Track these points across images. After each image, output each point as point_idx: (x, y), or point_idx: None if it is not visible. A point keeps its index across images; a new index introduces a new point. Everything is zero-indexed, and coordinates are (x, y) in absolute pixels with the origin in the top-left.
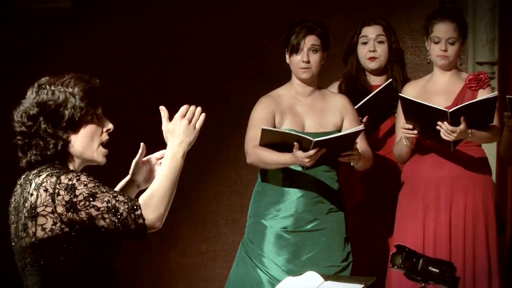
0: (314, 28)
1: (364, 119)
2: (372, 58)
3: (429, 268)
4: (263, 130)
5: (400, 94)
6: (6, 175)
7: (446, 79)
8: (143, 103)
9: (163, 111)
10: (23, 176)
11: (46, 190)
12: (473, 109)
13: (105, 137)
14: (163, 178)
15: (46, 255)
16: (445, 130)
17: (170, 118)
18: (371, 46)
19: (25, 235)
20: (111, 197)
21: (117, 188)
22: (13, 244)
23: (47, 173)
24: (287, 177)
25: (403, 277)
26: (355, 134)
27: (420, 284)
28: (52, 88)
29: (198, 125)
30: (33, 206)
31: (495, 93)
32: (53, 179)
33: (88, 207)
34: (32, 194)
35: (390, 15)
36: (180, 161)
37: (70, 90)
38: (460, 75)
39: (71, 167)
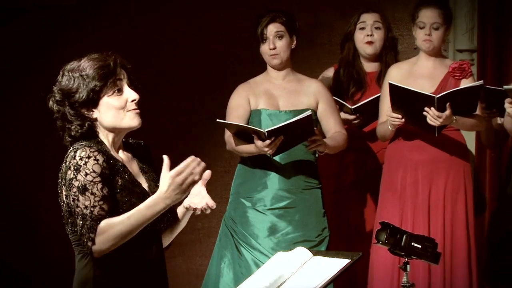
0: (276, 16)
1: (352, 116)
2: (369, 43)
3: (412, 244)
4: (220, 123)
5: (390, 82)
6: (6, 173)
7: (430, 64)
8: (148, 93)
9: (166, 159)
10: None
11: (65, 163)
12: (459, 96)
13: (131, 106)
14: (131, 219)
15: (67, 224)
16: (432, 115)
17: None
18: (369, 30)
19: (59, 199)
20: (90, 205)
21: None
22: None
23: (72, 148)
24: (264, 156)
25: (387, 253)
26: (306, 119)
27: (404, 259)
28: (70, 74)
29: (191, 186)
30: (60, 176)
31: (480, 81)
32: (72, 153)
33: (75, 200)
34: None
35: (376, 5)
36: (156, 214)
37: (84, 73)
38: (444, 61)
39: (105, 141)
